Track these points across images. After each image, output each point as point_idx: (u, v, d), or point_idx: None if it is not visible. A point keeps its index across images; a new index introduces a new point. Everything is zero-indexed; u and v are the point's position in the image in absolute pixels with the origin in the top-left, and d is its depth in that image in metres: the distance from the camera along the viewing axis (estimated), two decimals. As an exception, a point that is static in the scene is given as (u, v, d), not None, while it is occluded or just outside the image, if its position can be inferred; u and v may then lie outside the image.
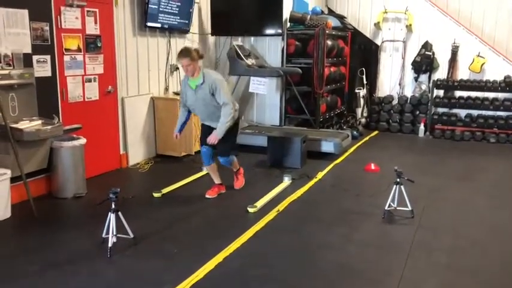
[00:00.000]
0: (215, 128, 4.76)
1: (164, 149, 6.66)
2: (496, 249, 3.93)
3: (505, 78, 8.27)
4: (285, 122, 7.97)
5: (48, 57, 4.93)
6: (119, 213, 3.69)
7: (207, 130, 4.92)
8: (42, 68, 4.87)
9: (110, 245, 3.61)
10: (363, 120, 9.27)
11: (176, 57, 4.96)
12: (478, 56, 8.53)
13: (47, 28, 4.88)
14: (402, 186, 4.51)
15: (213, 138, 4.72)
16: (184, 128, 5.14)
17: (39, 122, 4.65)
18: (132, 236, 3.79)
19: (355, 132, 8.27)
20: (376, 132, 9.06)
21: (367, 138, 8.48)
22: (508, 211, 4.84)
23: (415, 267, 3.54)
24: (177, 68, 7.03)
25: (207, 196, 5.04)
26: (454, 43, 8.70)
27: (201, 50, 4.86)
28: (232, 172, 5.37)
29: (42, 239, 3.94)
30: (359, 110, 9.27)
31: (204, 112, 4.86)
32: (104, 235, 3.75)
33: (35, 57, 4.78)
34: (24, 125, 4.50)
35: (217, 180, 5.18)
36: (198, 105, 4.81)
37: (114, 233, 3.67)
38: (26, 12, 4.65)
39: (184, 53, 4.61)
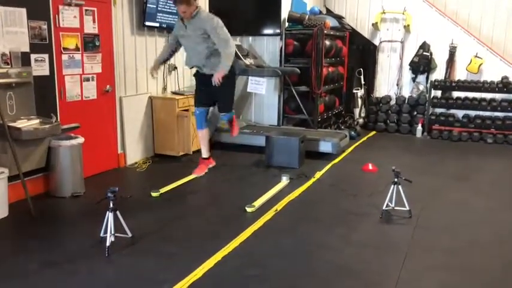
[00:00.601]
0: (211, 75, 4.69)
1: (162, 148, 6.66)
2: (494, 249, 3.94)
3: (502, 79, 8.30)
4: (283, 122, 7.98)
5: (46, 56, 4.92)
6: (117, 212, 3.69)
7: (203, 85, 4.84)
8: (40, 67, 4.86)
9: (108, 244, 3.61)
10: (361, 120, 9.29)
11: (173, 1, 4.96)
12: (476, 56, 8.55)
13: (45, 27, 4.87)
14: (400, 186, 4.52)
15: (220, 75, 4.65)
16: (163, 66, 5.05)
17: (37, 121, 4.65)
18: (130, 235, 3.79)
19: (353, 133, 8.28)
20: (373, 132, 9.07)
21: (365, 138, 8.49)
22: (506, 211, 4.86)
23: (413, 268, 3.55)
24: (175, 68, 7.02)
25: (193, 175, 4.98)
26: (452, 44, 8.72)
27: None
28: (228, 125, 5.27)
29: (40, 238, 3.93)
30: (357, 110, 9.29)
31: (198, 53, 4.77)
32: (102, 234, 3.74)
33: (33, 56, 4.77)
34: (22, 124, 4.49)
35: (206, 153, 5.09)
36: (191, 45, 4.76)
37: (112, 232, 3.67)
38: (24, 10, 4.64)
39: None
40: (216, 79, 4.70)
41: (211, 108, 5.35)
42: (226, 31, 4.74)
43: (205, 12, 4.75)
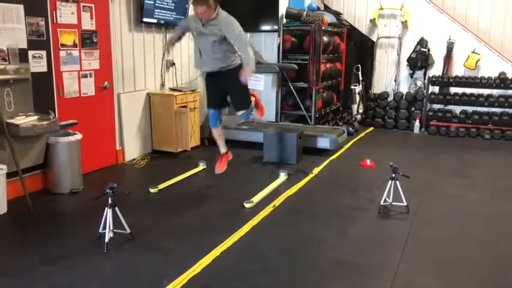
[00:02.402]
0: (223, 71, 4.47)
1: (160, 144, 6.66)
2: (491, 243, 3.97)
3: (499, 74, 8.32)
4: (281, 118, 7.99)
5: (43, 52, 4.91)
6: (116, 208, 3.70)
7: (215, 86, 4.62)
8: (38, 64, 4.86)
9: (106, 240, 3.62)
10: (359, 116, 9.29)
11: (191, 2, 4.66)
12: (473, 52, 8.57)
13: (43, 23, 4.86)
14: (397, 182, 4.54)
15: (247, 73, 4.35)
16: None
17: (35, 117, 4.64)
18: (128, 231, 3.80)
19: (350, 129, 8.30)
20: (371, 128, 9.09)
21: (362, 134, 8.51)
22: (503, 206, 4.89)
23: (410, 262, 3.57)
24: (173, 64, 7.02)
25: (217, 171, 4.99)
26: (450, 40, 8.73)
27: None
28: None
29: (38, 235, 3.94)
30: (355, 107, 9.30)
31: (211, 51, 4.46)
32: (100, 230, 3.75)
33: (30, 53, 4.76)
34: (20, 120, 4.48)
35: (223, 148, 5.05)
36: (204, 42, 4.46)
37: (111, 228, 3.68)
38: (21, 7, 4.62)
39: (200, 0, 4.29)
40: (244, 78, 4.42)
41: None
42: (245, 35, 4.51)
43: (225, 13, 4.43)
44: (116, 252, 3.62)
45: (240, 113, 4.82)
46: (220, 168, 5.02)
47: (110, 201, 3.66)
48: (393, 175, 4.54)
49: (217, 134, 5.07)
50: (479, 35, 8.77)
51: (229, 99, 4.84)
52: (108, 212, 3.66)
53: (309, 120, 7.74)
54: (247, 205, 4.63)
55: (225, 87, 4.74)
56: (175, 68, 7.08)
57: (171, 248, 3.72)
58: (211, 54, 4.52)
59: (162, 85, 6.89)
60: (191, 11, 7.11)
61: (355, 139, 8.03)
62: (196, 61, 4.81)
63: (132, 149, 6.35)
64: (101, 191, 3.71)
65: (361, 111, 9.33)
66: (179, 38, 5.00)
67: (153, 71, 6.68)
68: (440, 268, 3.50)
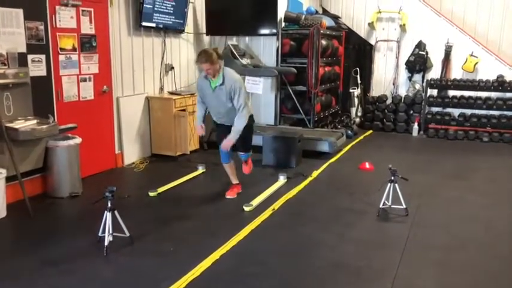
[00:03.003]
0: (231, 126, 4.74)
1: (159, 148, 6.67)
2: (490, 246, 3.98)
3: (497, 77, 8.35)
4: (280, 122, 8.00)
5: (43, 56, 4.92)
6: (115, 211, 3.70)
7: (224, 129, 4.86)
8: (37, 68, 4.87)
9: (106, 243, 3.62)
10: (357, 119, 9.31)
11: (195, 60, 4.88)
12: (471, 55, 8.60)
13: (42, 27, 4.88)
14: (396, 185, 4.55)
15: (227, 144, 4.74)
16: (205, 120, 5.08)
17: (35, 121, 4.65)
18: (128, 234, 3.80)
19: (349, 132, 8.31)
20: (370, 131, 9.11)
21: (361, 137, 8.52)
22: (502, 209, 4.90)
23: (410, 265, 3.58)
24: (172, 68, 7.04)
25: (227, 196, 5.04)
26: (448, 43, 8.76)
27: (218, 49, 4.77)
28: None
29: (38, 238, 3.94)
30: (353, 110, 9.32)
31: (220, 111, 4.79)
32: (100, 234, 3.75)
33: (29, 57, 4.77)
34: (20, 124, 4.49)
35: (235, 180, 5.19)
36: (215, 104, 4.77)
37: (111, 232, 3.68)
38: (20, 11, 4.64)
39: (204, 57, 4.50)
40: (226, 147, 4.76)
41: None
42: (245, 92, 4.74)
43: (228, 75, 4.64)
44: (116, 256, 3.62)
45: (240, 153, 5.10)
46: (230, 195, 5.10)
47: (109, 205, 3.67)
48: (392, 178, 4.55)
49: (230, 169, 5.19)
50: (477, 38, 8.80)
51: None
52: (108, 216, 3.67)
53: (307, 123, 7.75)
54: (246, 208, 4.64)
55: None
56: (174, 72, 7.10)
57: (171, 252, 3.72)
58: (220, 112, 4.82)
59: (161, 89, 6.90)
60: (190, 14, 7.17)
61: (354, 142, 8.05)
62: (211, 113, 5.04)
63: (131, 152, 6.36)
64: (100, 194, 3.72)
65: (359, 114, 9.36)
66: (204, 116, 5.05)
67: (152, 74, 6.70)
68: (440, 271, 3.50)
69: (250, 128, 4.91)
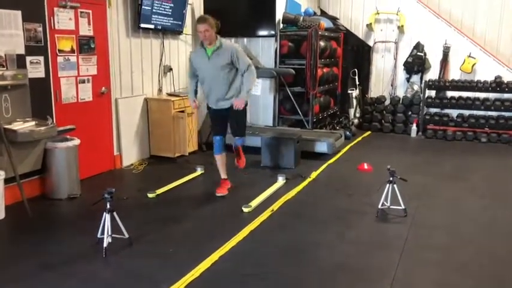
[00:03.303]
0: (228, 108, 4.85)
1: (158, 149, 6.66)
2: (489, 247, 3.98)
3: (495, 78, 8.37)
4: (278, 123, 8.01)
5: (41, 58, 4.92)
6: (114, 213, 3.70)
7: (219, 117, 4.97)
8: (35, 69, 4.87)
9: (105, 245, 3.62)
10: (356, 120, 9.33)
11: (195, 23, 4.99)
12: (469, 56, 8.62)
13: (40, 29, 4.87)
14: (395, 185, 4.55)
15: (240, 103, 4.78)
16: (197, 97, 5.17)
17: (33, 123, 4.64)
18: (127, 236, 3.80)
19: (348, 133, 8.32)
20: (368, 132, 9.12)
21: (360, 138, 8.53)
22: (500, 209, 4.90)
23: (408, 266, 3.58)
24: (171, 69, 7.04)
25: (218, 194, 5.06)
26: (446, 44, 8.78)
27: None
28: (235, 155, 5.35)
29: (37, 240, 3.94)
30: (352, 111, 9.33)
31: (215, 83, 4.83)
32: (99, 235, 3.75)
33: (28, 58, 4.77)
34: (18, 126, 4.49)
35: (224, 174, 5.21)
36: (209, 74, 4.81)
37: (110, 233, 3.67)
38: (19, 13, 4.64)
39: (203, 18, 4.71)
40: (238, 106, 4.80)
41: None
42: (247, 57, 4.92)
43: (227, 41, 4.83)
44: (115, 257, 3.61)
45: (237, 138, 5.14)
46: (221, 192, 5.13)
47: (108, 206, 3.66)
48: (391, 178, 4.55)
49: (221, 161, 5.21)
50: (475, 39, 8.83)
51: (229, 126, 5.09)
52: (107, 217, 3.66)
53: (306, 124, 7.76)
54: (245, 209, 4.64)
55: (226, 119, 5.05)
56: (173, 73, 7.10)
57: (170, 253, 3.72)
58: (218, 85, 4.85)
59: (160, 90, 6.90)
60: (188, 16, 7.17)
61: (353, 143, 8.06)
62: (205, 95, 5.09)
63: (130, 154, 6.35)
64: (99, 196, 3.72)
65: (358, 115, 9.37)
66: (196, 91, 5.14)
67: (150, 76, 6.70)
68: (439, 272, 3.50)
69: (245, 111, 5.02)
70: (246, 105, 4.97)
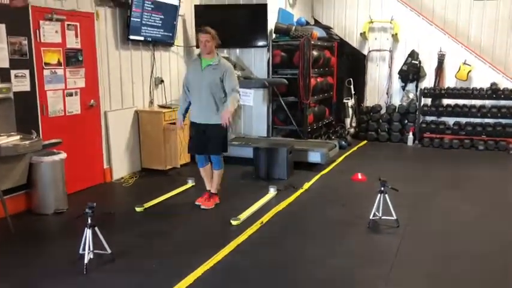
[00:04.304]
0: (210, 125, 4.84)
1: (149, 162, 6.58)
2: (483, 258, 3.86)
3: (491, 85, 8.29)
4: (272, 133, 7.92)
5: (27, 71, 4.86)
6: (96, 228, 3.61)
7: (200, 134, 4.92)
8: (20, 83, 4.81)
9: (86, 261, 3.52)
10: (352, 130, 9.23)
11: (197, 32, 5.11)
12: (464, 63, 8.55)
13: (26, 42, 4.82)
14: (387, 195, 4.45)
15: (226, 114, 4.76)
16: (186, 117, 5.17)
17: (18, 137, 4.56)
18: (109, 251, 3.70)
19: (343, 142, 8.23)
20: (365, 141, 9.02)
21: (355, 148, 8.44)
22: (496, 219, 4.79)
23: (399, 278, 3.47)
24: (162, 81, 6.99)
25: (203, 207, 4.98)
26: (440, 51, 8.72)
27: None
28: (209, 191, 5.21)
29: (17, 256, 3.84)
30: (348, 120, 9.24)
31: (201, 97, 4.83)
32: (80, 251, 3.65)
33: (13, 72, 4.71)
34: (1, 140, 4.41)
35: (209, 186, 5.16)
36: (198, 86, 4.83)
37: (91, 249, 3.58)
38: (3, 26, 4.59)
39: (206, 29, 4.83)
40: (226, 119, 4.77)
41: None
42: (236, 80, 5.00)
43: (225, 60, 4.98)
44: (96, 274, 3.52)
45: (213, 156, 5.04)
46: (206, 205, 5.04)
47: (89, 221, 3.57)
48: (382, 188, 4.45)
49: (205, 173, 5.18)
50: (470, 46, 8.77)
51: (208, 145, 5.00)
52: (88, 232, 3.57)
53: (300, 134, 7.67)
54: (233, 222, 4.54)
55: (206, 137, 4.96)
56: (164, 85, 7.05)
57: (153, 269, 3.62)
58: (204, 101, 4.84)
59: (151, 102, 6.84)
60: (179, 27, 7.14)
61: (348, 153, 7.96)
62: (192, 112, 5.06)
63: (120, 167, 6.27)
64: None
65: (354, 124, 9.28)
66: (186, 110, 5.11)
67: (141, 88, 6.64)
68: (431, 284, 3.39)
69: (225, 133, 4.97)
70: (226, 127, 4.90)
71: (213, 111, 4.85)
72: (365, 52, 9.42)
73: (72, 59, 5.43)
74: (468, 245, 4.12)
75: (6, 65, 4.65)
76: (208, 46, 4.77)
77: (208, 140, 4.93)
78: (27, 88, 4.89)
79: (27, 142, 4.52)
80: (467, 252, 3.97)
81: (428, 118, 8.83)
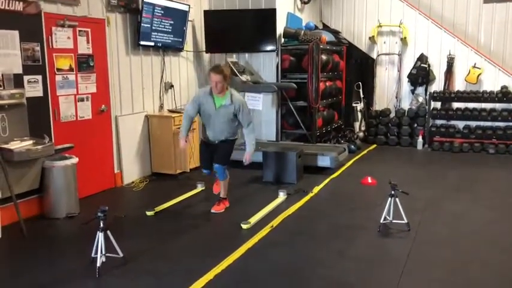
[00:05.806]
0: (220, 144, 4.94)
1: (159, 167, 6.62)
2: (495, 262, 3.83)
3: (501, 88, 8.24)
4: (281, 137, 7.94)
5: (39, 77, 4.93)
6: (108, 232, 3.64)
7: (208, 150, 5.03)
8: (33, 88, 4.87)
9: (98, 264, 3.55)
10: (361, 134, 9.23)
11: (208, 71, 5.01)
12: (474, 67, 8.51)
13: (38, 48, 4.89)
14: (397, 199, 4.44)
15: (248, 156, 4.94)
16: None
17: (30, 142, 4.63)
18: (121, 255, 3.73)
19: (352, 146, 8.22)
20: (374, 145, 8.99)
21: (365, 151, 8.42)
22: (508, 223, 4.75)
23: (410, 283, 3.46)
24: (172, 86, 7.04)
25: (212, 211, 5.05)
26: (450, 55, 8.69)
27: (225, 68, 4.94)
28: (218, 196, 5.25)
29: (30, 260, 3.88)
30: (357, 124, 9.23)
31: (218, 128, 4.91)
32: (93, 255, 3.68)
33: (26, 78, 4.78)
34: (15, 145, 4.47)
35: (222, 193, 5.21)
36: (214, 121, 4.88)
37: (103, 253, 3.61)
38: (16, 33, 4.66)
39: (218, 70, 4.71)
40: (248, 160, 4.97)
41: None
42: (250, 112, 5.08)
43: (235, 96, 4.88)
44: (108, 277, 3.54)
45: (216, 165, 5.01)
46: (216, 209, 5.09)
47: (101, 225, 3.60)
48: (392, 192, 4.44)
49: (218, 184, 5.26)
50: (480, 49, 8.73)
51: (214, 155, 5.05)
52: (100, 236, 3.60)
53: (309, 138, 7.68)
54: (244, 226, 4.55)
55: (214, 150, 5.04)
56: (174, 90, 7.09)
57: (164, 272, 3.63)
58: (220, 129, 4.92)
59: (161, 107, 6.89)
60: (189, 33, 7.19)
61: (357, 157, 7.94)
62: (208, 134, 5.12)
63: (131, 171, 6.31)
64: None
65: (363, 128, 9.26)
66: (189, 129, 5.15)
67: (151, 93, 6.69)
68: (442, 288, 3.38)
69: (232, 143, 5.06)
70: (236, 139, 5.07)
71: (227, 132, 4.95)
72: (374, 56, 9.41)
73: (83, 64, 5.49)
74: (480, 250, 4.09)
75: (20, 70, 4.72)
76: (219, 87, 4.71)
77: (215, 150, 5.00)
78: (40, 93, 4.96)
79: (39, 147, 4.59)
80: (479, 257, 3.94)
81: (438, 122, 8.79)
